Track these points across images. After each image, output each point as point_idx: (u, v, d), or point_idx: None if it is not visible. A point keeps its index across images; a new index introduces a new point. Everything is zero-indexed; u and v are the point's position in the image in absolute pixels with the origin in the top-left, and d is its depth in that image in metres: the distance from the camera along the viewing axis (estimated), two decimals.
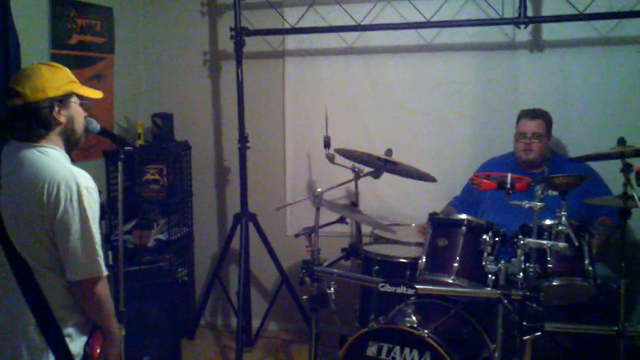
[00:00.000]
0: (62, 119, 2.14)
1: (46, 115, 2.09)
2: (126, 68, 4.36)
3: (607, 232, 3.33)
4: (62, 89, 2.13)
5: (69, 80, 2.18)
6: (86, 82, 2.52)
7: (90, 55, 3.92)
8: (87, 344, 2.16)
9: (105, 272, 2.10)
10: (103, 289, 2.11)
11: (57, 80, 2.13)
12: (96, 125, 2.41)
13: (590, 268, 2.84)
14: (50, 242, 2.03)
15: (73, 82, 2.19)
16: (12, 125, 2.11)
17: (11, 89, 2.09)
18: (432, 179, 3.28)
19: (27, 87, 2.07)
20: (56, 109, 2.11)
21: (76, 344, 2.12)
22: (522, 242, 2.60)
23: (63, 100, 2.13)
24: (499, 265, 2.73)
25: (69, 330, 2.10)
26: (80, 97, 2.22)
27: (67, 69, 2.21)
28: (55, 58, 3.52)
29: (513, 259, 2.65)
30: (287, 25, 4.14)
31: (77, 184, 2.03)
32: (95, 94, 2.30)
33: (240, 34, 4.01)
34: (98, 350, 2.16)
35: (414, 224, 3.93)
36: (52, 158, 2.09)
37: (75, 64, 3.74)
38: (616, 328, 2.70)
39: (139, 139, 4.21)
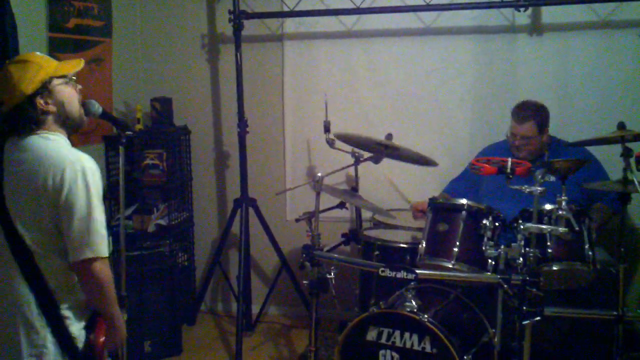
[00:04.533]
0: (51, 108, 2.11)
1: (31, 113, 2.08)
2: (124, 52, 4.34)
3: (604, 218, 3.31)
4: (36, 81, 2.08)
5: (41, 67, 2.11)
6: (84, 66, 2.47)
7: (88, 39, 3.89)
8: (89, 331, 2.15)
9: (107, 253, 2.08)
10: (105, 270, 2.09)
11: (27, 75, 2.08)
12: (98, 108, 2.38)
13: (590, 253, 2.83)
14: (54, 226, 2.03)
15: (45, 67, 2.13)
16: (6, 127, 2.11)
17: None
18: (433, 163, 3.29)
19: (4, 94, 2.07)
20: (40, 101, 2.09)
21: (75, 326, 2.12)
22: (522, 226, 2.61)
23: (42, 91, 2.10)
24: (499, 250, 2.74)
25: (68, 312, 2.10)
26: (62, 77, 2.16)
27: (37, 56, 2.16)
28: (52, 42, 3.51)
29: (513, 244, 2.66)
30: (285, 8, 4.13)
31: (82, 166, 2.03)
32: (75, 65, 2.22)
33: (238, 17, 3.98)
34: (102, 339, 2.16)
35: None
36: (55, 142, 2.09)
37: (73, 48, 3.72)
38: (615, 312, 2.71)
39: (138, 123, 4.19)
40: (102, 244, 2.06)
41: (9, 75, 2.08)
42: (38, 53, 2.19)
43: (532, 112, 3.44)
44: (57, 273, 2.08)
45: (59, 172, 2.00)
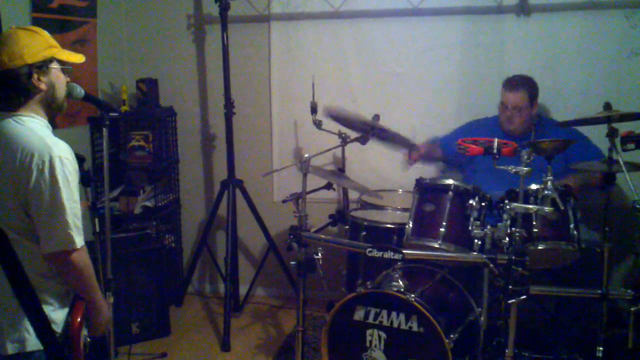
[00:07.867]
0: (42, 86, 2.07)
1: (25, 83, 2.03)
2: (109, 33, 4.29)
3: (583, 179, 3.32)
4: (41, 55, 2.06)
5: (49, 45, 2.10)
6: (69, 47, 2.46)
7: (73, 20, 3.84)
8: (68, 312, 2.14)
9: (79, 244, 2.03)
10: (80, 260, 2.05)
11: (35, 45, 2.06)
12: (80, 91, 2.36)
13: (575, 232, 2.86)
14: (25, 212, 1.99)
15: (53, 46, 2.12)
16: None
17: None
18: (414, 148, 3.32)
19: (3, 54, 2.00)
20: (35, 75, 2.05)
21: (57, 313, 2.10)
22: (508, 206, 2.62)
23: (42, 66, 2.07)
24: (485, 230, 2.76)
25: (51, 299, 2.08)
26: (60, 62, 2.15)
27: (46, 33, 2.14)
28: (36, 22, 3.45)
29: (499, 224, 2.67)
30: None
31: (50, 155, 1.96)
32: (77, 58, 2.22)
33: None
34: (78, 319, 2.13)
35: (400, 190, 3.93)
36: (27, 128, 2.03)
37: (57, 28, 3.67)
38: (600, 291, 2.73)
39: (124, 104, 4.16)
40: (72, 236, 2.01)
41: (15, 37, 2.04)
42: (46, 33, 2.16)
43: (523, 82, 3.52)
44: (34, 259, 2.03)
45: (27, 160, 1.95)
